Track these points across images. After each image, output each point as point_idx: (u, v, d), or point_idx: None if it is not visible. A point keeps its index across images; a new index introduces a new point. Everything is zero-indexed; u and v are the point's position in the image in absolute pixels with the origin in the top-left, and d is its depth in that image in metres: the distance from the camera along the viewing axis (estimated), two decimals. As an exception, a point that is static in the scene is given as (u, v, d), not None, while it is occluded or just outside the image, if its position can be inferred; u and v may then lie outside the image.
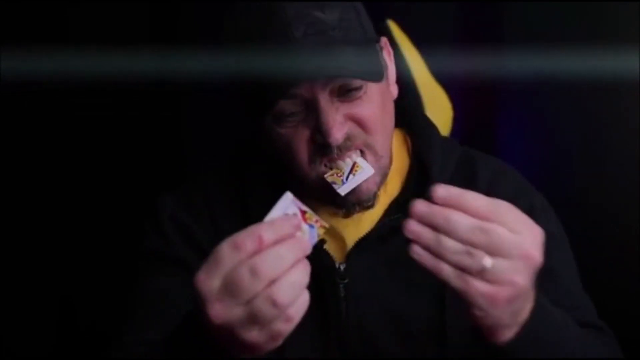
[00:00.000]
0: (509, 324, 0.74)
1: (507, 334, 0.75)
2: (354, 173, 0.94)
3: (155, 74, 1.53)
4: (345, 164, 0.95)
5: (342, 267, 0.99)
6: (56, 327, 1.81)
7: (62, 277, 1.79)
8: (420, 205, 0.70)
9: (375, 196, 0.98)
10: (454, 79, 1.74)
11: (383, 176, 0.99)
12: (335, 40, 0.90)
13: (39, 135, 1.76)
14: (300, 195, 1.01)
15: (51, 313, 1.80)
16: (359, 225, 1.01)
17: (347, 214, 1.00)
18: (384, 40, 1.01)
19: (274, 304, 0.66)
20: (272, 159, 1.02)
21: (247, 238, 0.68)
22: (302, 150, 0.94)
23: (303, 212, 0.71)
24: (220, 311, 0.68)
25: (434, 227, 0.70)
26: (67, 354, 1.77)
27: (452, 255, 0.69)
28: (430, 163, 1.02)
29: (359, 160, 0.95)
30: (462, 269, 0.69)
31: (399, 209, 1.00)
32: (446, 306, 0.96)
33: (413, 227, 0.70)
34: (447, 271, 0.69)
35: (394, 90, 1.02)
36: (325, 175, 0.95)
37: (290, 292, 0.67)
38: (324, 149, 0.93)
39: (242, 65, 0.94)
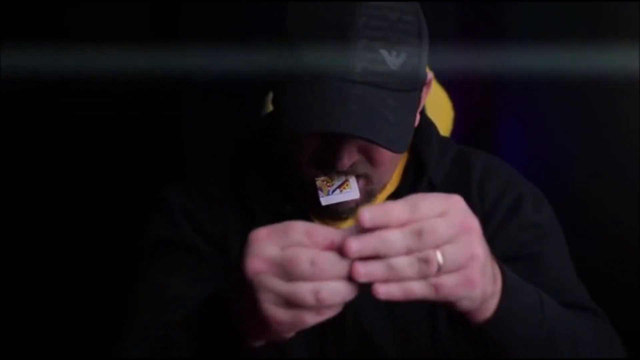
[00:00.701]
0: (492, 291, 0.74)
1: (492, 305, 0.75)
2: (342, 190, 0.96)
3: (157, 72, 1.53)
4: (338, 178, 0.96)
5: (340, 261, 0.99)
6: (56, 327, 1.81)
7: (62, 277, 1.80)
8: (353, 244, 0.68)
9: (351, 211, 0.99)
10: (455, 80, 1.74)
11: (368, 197, 1.00)
12: (387, 86, 0.89)
13: (37, 133, 1.76)
14: (291, 195, 1.03)
15: (51, 313, 1.81)
16: (357, 220, 1.01)
17: (318, 217, 1.01)
18: (430, 77, 1.00)
19: (317, 295, 0.67)
20: (271, 159, 1.03)
21: (322, 234, 0.68)
22: (306, 154, 0.95)
23: None
24: (260, 269, 0.68)
25: (376, 256, 0.68)
26: (67, 354, 1.78)
27: (409, 269, 0.67)
28: (427, 159, 1.03)
29: (351, 180, 0.96)
30: (425, 277, 0.68)
31: None
32: (440, 305, 0.96)
33: (361, 270, 0.67)
34: (417, 288, 0.68)
35: (416, 121, 1.01)
36: (316, 179, 0.96)
37: (334, 296, 0.67)
38: (326, 166, 0.94)
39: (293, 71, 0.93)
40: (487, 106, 1.82)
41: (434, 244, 0.68)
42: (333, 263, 0.67)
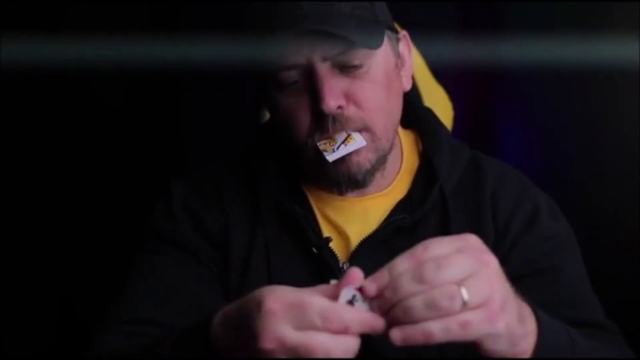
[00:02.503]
0: (523, 332, 0.72)
1: (527, 347, 0.73)
2: (346, 144, 0.96)
3: (157, 62, 1.53)
4: (339, 136, 0.96)
5: (345, 267, 0.99)
6: (56, 327, 1.80)
7: (62, 277, 1.79)
8: (370, 287, 0.68)
9: (366, 174, 0.99)
10: (455, 79, 1.74)
11: (379, 158, 0.99)
12: (341, 12, 0.91)
13: (34, 128, 1.75)
14: (304, 181, 1.03)
15: (51, 313, 1.80)
16: (365, 224, 1.01)
17: (340, 192, 1.01)
18: (403, 33, 1.02)
19: None
20: (281, 150, 1.03)
21: (338, 318, 0.67)
22: (302, 120, 0.96)
23: (360, 289, 0.71)
24: (274, 348, 0.67)
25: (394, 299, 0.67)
26: (67, 354, 1.77)
27: (428, 308, 0.65)
28: (439, 165, 1.03)
29: (353, 133, 0.96)
30: (448, 315, 0.66)
31: (406, 209, 1.01)
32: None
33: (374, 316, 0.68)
34: (436, 330, 0.66)
35: (407, 83, 1.02)
36: (318, 143, 0.96)
37: None
38: (320, 120, 0.94)
39: (247, 33, 0.96)
40: (487, 106, 1.82)
41: (453, 279, 0.66)
42: (346, 351, 0.67)
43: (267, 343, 0.66)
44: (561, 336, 0.79)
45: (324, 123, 0.94)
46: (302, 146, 0.97)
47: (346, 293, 0.70)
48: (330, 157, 0.95)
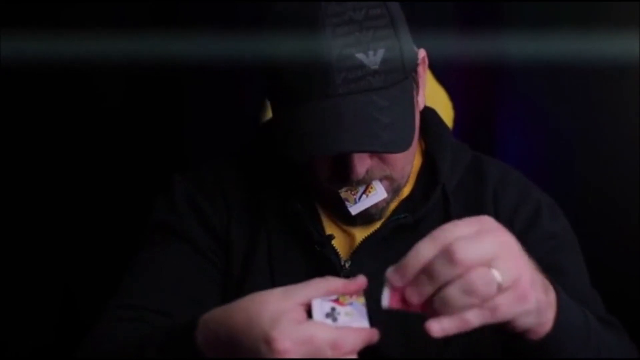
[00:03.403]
0: (547, 301, 0.73)
1: (549, 317, 0.74)
2: (367, 194, 0.97)
3: (158, 61, 1.53)
4: (362, 186, 0.97)
5: (347, 264, 0.99)
6: (57, 322, 1.80)
7: (63, 274, 1.79)
8: (394, 278, 0.69)
9: (382, 210, 1.00)
10: (454, 79, 1.75)
11: (395, 194, 1.01)
12: (372, 87, 0.89)
13: (33, 124, 1.75)
14: (300, 193, 1.03)
15: (52, 308, 1.80)
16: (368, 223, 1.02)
17: (353, 225, 1.02)
18: (422, 55, 1.00)
19: None
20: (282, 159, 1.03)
21: (348, 345, 0.70)
22: (323, 171, 0.96)
23: (336, 301, 0.72)
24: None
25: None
26: (68, 349, 1.77)
27: (463, 297, 0.66)
28: (441, 165, 1.03)
29: (374, 183, 0.97)
30: (485, 300, 0.66)
31: (408, 208, 1.01)
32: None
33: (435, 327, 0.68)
34: (473, 317, 0.67)
35: (422, 102, 1.01)
36: (340, 191, 0.97)
37: None
38: (343, 178, 0.95)
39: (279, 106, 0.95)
40: (487, 106, 1.82)
41: (484, 258, 0.66)
42: None
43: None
44: (576, 309, 0.80)
45: (349, 182, 0.95)
46: (322, 188, 0.98)
47: (322, 305, 0.71)
48: (354, 210, 0.96)
